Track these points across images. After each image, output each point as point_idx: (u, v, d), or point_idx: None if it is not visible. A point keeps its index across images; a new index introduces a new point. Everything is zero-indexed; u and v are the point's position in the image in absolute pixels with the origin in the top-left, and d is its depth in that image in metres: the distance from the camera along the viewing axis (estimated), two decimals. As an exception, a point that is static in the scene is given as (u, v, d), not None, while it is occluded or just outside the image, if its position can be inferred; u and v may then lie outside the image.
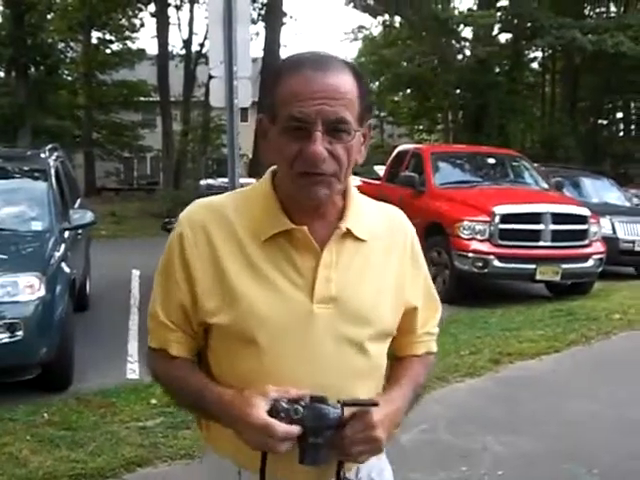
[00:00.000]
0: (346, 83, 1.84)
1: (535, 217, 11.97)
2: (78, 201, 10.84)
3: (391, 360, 2.16)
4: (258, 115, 1.99)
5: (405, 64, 34.47)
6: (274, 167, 2.00)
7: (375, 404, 1.88)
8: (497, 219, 11.80)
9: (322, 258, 1.91)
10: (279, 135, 1.84)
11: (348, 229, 1.95)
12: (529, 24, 29.14)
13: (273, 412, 1.80)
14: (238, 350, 1.91)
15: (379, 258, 2.02)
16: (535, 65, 37.47)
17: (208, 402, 1.92)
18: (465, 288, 12.07)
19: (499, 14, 29.38)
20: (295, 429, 1.79)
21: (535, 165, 15.48)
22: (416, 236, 2.18)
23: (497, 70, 31.78)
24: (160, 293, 2.01)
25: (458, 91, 32.36)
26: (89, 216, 8.80)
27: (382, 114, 43.66)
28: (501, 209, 11.93)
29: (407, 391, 2.09)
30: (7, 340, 6.73)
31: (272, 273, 1.89)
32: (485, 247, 11.78)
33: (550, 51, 34.09)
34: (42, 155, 9.98)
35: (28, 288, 6.91)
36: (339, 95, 1.81)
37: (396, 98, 42.38)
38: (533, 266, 11.73)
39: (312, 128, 1.79)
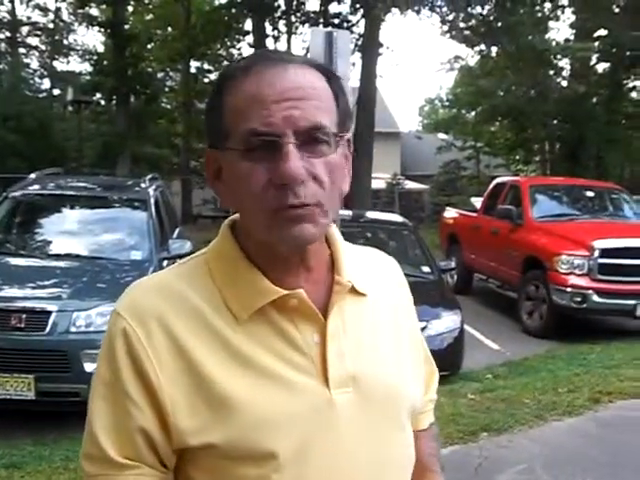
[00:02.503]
0: (316, 79, 1.39)
1: (636, 251, 11.69)
2: (177, 230, 11.00)
3: None
4: (206, 152, 1.48)
5: (502, 94, 34.23)
6: (231, 218, 1.53)
7: None
8: (596, 253, 11.58)
9: (328, 327, 1.44)
10: (237, 162, 1.36)
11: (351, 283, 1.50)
12: (628, 53, 28.67)
13: None
14: (241, 472, 1.35)
15: (387, 316, 1.59)
16: (634, 95, 36.76)
17: None
18: (563, 323, 11.89)
19: (597, 44, 28.97)
20: None
21: (634, 198, 15.18)
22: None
23: (595, 100, 31.32)
24: (103, 420, 1.37)
25: (555, 122, 31.97)
26: (188, 246, 8.90)
27: (478, 144, 43.38)
28: (600, 243, 11.71)
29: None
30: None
31: (266, 360, 1.38)
32: (584, 282, 11.56)
33: (651, 79, 33.41)
34: (142, 185, 10.20)
35: (128, 317, 7.07)
36: (311, 92, 1.35)
37: (492, 128, 42.05)
38: (633, 302, 11.46)
39: (282, 141, 1.32)
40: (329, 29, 9.68)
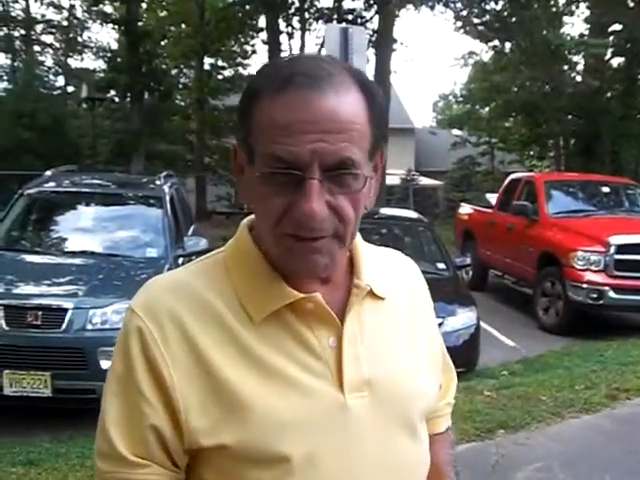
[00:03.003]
0: (353, 105, 1.31)
1: (652, 248, 11.61)
2: (192, 227, 10.99)
3: None
4: (234, 144, 1.45)
5: (516, 90, 34.14)
6: (250, 218, 1.50)
7: None
8: (612, 249, 11.53)
9: (344, 331, 1.42)
10: (258, 181, 1.31)
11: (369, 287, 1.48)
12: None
13: None
14: (254, 475, 1.34)
15: (404, 319, 1.56)
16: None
17: None
18: (579, 319, 11.84)
19: (611, 38, 28.88)
20: None
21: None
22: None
23: (609, 95, 31.20)
24: (116, 417, 1.37)
25: (570, 117, 31.86)
26: (203, 243, 8.90)
27: (493, 140, 43.27)
28: (617, 239, 11.66)
29: None
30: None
31: (280, 363, 1.36)
32: (600, 278, 11.52)
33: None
34: (157, 182, 10.18)
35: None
36: (343, 125, 1.28)
37: (507, 124, 41.94)
38: (650, 298, 11.38)
39: (305, 175, 1.27)
40: (344, 25, 9.69)
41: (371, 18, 26.15)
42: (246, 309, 1.39)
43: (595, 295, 11.46)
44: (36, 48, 41.56)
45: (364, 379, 1.41)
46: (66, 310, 7.14)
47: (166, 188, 9.89)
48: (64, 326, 7.06)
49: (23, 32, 39.85)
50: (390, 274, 1.59)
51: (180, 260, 8.48)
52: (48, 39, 42.46)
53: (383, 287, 1.52)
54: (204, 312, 1.38)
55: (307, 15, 29.11)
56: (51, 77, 40.87)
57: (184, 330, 1.36)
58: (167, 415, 1.34)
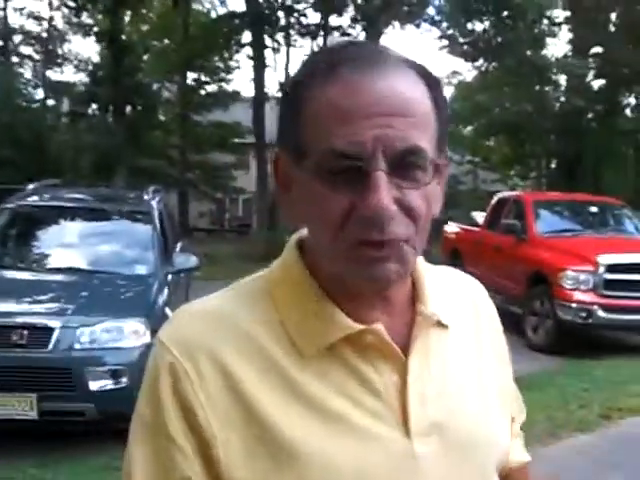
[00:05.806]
0: (414, 88, 1.14)
1: (640, 267, 11.64)
2: (179, 244, 10.80)
3: None
4: (275, 152, 1.26)
5: (498, 110, 34.23)
6: (299, 237, 1.30)
7: None
8: (602, 269, 11.54)
9: (409, 367, 1.21)
10: (312, 181, 1.13)
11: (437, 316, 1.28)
12: (625, 70, 28.73)
13: None
14: None
15: (471, 351, 1.36)
16: (629, 112, 36.57)
17: None
18: (568, 338, 11.80)
19: (591, 60, 29.10)
20: None
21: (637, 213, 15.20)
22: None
23: (591, 116, 31.33)
24: (144, 469, 1.17)
25: (553, 137, 31.99)
26: (193, 260, 8.73)
27: (476, 159, 43.37)
28: (606, 259, 11.67)
29: None
30: (111, 387, 6.65)
31: (337, 404, 1.17)
32: (589, 297, 11.52)
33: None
34: (145, 197, 9.94)
35: (133, 334, 6.85)
36: (405, 106, 1.11)
37: (489, 143, 42.05)
38: (639, 317, 11.43)
39: (370, 166, 1.08)
40: (338, 39, 9.62)
41: (357, 36, 26.21)
42: (296, 343, 1.19)
43: (584, 314, 11.46)
44: (14, 59, 41.21)
45: (433, 422, 1.22)
46: (52, 329, 6.86)
47: (154, 203, 9.65)
48: (51, 346, 6.78)
49: (1, 43, 39.49)
50: (453, 298, 1.38)
51: (169, 277, 8.32)
52: (27, 50, 42.17)
53: (448, 314, 1.31)
54: (246, 346, 1.18)
55: (292, 32, 29.14)
56: (30, 90, 40.61)
57: (223, 367, 1.16)
58: (204, 466, 1.14)
